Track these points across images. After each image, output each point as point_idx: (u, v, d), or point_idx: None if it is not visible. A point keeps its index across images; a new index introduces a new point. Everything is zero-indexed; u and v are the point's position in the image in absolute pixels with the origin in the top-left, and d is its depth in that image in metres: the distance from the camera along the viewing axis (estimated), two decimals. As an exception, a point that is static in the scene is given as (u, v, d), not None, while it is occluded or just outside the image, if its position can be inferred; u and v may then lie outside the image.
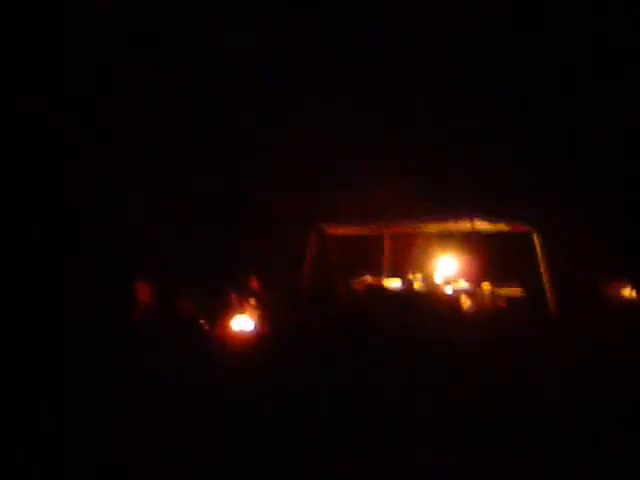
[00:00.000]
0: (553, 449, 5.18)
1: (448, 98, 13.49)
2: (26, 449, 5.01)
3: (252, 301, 9.49)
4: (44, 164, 10.82)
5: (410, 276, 11.76)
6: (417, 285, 11.40)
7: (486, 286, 10.79)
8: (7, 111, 10.43)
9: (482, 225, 10.72)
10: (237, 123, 13.50)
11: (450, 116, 13.44)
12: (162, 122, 12.56)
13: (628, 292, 9.78)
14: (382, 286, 11.56)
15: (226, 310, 8.82)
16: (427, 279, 11.49)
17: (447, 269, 11.84)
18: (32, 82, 11.01)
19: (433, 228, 11.55)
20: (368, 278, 11.74)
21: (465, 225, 10.73)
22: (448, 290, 11.08)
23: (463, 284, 11.23)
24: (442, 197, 11.69)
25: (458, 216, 10.74)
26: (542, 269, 10.52)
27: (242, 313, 8.90)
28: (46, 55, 11.35)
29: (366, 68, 13.75)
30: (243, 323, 8.58)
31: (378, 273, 12.63)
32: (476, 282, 11.01)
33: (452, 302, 10.62)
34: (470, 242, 11.25)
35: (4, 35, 10.65)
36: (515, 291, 10.88)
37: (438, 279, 11.57)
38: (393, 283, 11.69)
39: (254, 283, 10.14)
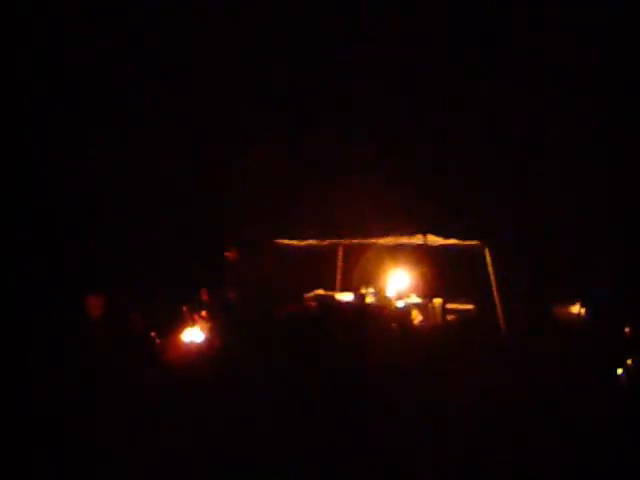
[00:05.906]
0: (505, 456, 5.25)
1: (402, 117, 13.65)
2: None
3: (203, 314, 9.43)
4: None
5: (362, 290, 11.79)
6: (369, 299, 11.44)
7: (437, 300, 10.88)
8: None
9: (435, 240, 10.85)
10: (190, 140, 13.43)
11: (404, 134, 13.57)
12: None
13: (577, 309, 9.95)
14: (332, 297, 11.58)
15: (178, 323, 8.75)
16: (379, 293, 11.53)
17: (399, 283, 11.90)
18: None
19: (386, 243, 11.61)
20: (320, 291, 11.76)
21: (418, 240, 10.84)
22: (400, 304, 11.13)
23: (414, 298, 11.30)
24: (396, 212, 11.77)
25: (411, 231, 10.85)
26: (492, 284, 10.69)
27: (193, 326, 8.86)
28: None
29: (320, 82, 13.83)
30: (194, 335, 8.54)
31: (331, 287, 12.63)
32: (428, 296, 11.09)
33: (403, 316, 10.69)
34: (422, 257, 11.33)
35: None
36: (466, 305, 11.00)
37: (390, 293, 11.62)
38: (345, 297, 11.70)
39: (205, 296, 10.07)
